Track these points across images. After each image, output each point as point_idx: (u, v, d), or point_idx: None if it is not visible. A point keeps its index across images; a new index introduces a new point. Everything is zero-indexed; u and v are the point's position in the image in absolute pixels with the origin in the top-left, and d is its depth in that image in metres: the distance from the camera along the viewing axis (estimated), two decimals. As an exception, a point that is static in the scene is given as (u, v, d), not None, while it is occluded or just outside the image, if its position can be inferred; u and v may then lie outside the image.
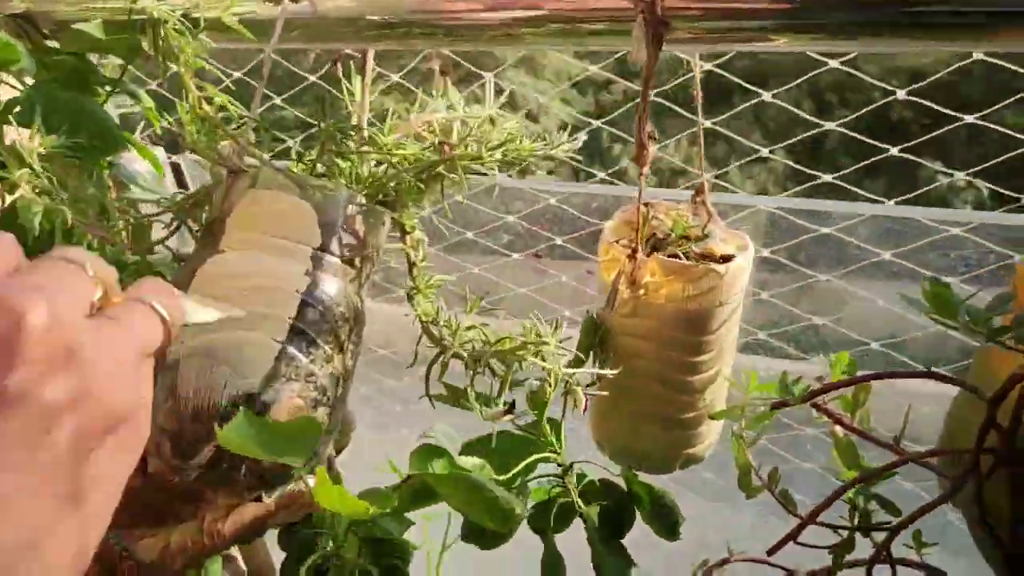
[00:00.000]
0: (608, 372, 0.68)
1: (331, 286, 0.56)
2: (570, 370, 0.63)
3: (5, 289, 0.24)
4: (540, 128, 0.65)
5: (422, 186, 0.63)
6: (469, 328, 0.62)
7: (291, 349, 0.52)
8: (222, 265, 0.54)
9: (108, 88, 0.72)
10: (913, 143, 0.83)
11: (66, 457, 0.24)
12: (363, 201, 0.59)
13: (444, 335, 0.62)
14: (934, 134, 0.83)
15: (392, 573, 0.55)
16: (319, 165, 0.65)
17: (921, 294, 0.52)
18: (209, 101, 0.68)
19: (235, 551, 0.86)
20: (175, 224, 0.68)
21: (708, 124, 0.71)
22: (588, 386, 0.67)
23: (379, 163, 0.65)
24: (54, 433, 0.23)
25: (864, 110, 0.84)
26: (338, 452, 0.63)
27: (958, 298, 0.50)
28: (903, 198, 0.80)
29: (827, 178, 0.88)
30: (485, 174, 0.64)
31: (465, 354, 0.61)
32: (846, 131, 0.87)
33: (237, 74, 1.14)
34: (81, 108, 0.63)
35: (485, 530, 0.60)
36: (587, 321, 0.72)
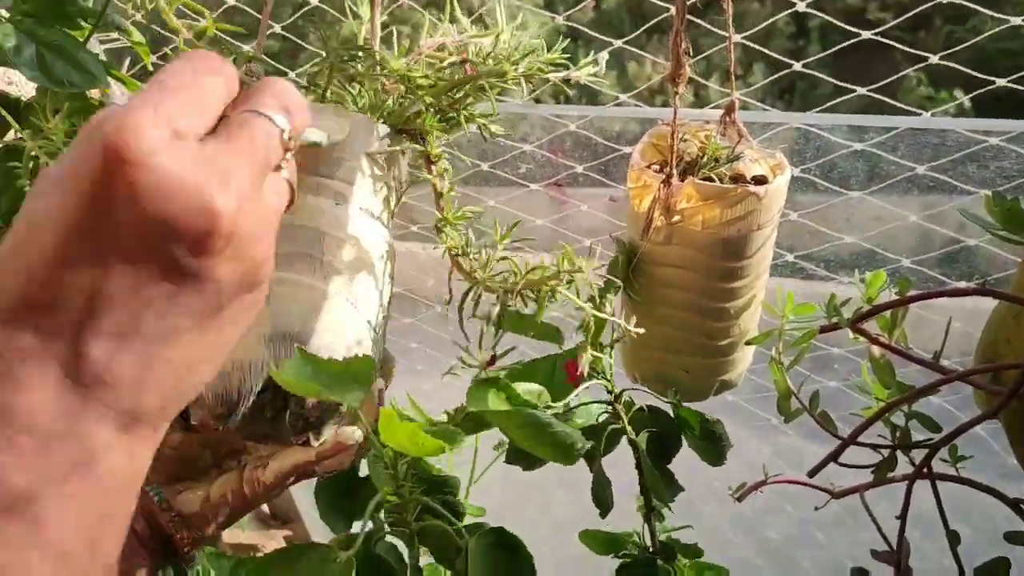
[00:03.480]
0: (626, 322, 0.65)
1: (361, 221, 0.53)
2: (595, 311, 0.61)
3: (199, 176, 0.27)
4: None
5: (447, 112, 0.59)
6: (501, 259, 0.60)
7: (328, 288, 0.50)
8: None
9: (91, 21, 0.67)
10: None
11: (222, 304, 0.30)
12: (387, 130, 0.56)
13: (474, 268, 0.60)
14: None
15: (450, 506, 0.55)
16: (329, 93, 0.61)
17: (985, 209, 0.50)
18: (200, 36, 0.63)
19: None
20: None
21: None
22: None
23: (387, 90, 0.61)
24: (223, 302, 0.30)
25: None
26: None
27: (1024, 212, 0.48)
28: (939, 109, 0.77)
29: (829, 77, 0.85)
30: (507, 100, 0.61)
31: (496, 287, 0.59)
32: (825, 19, 0.81)
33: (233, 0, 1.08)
34: (53, 41, 0.59)
35: (529, 453, 0.59)
36: (620, 248, 0.70)
